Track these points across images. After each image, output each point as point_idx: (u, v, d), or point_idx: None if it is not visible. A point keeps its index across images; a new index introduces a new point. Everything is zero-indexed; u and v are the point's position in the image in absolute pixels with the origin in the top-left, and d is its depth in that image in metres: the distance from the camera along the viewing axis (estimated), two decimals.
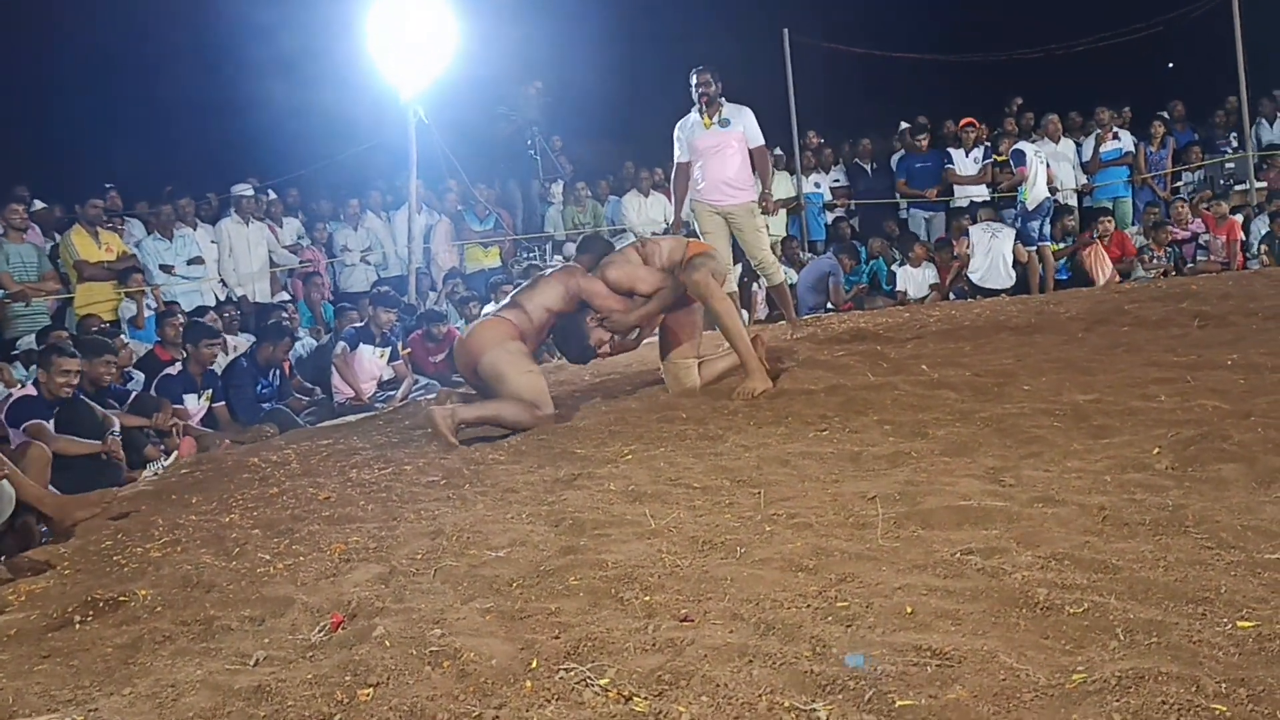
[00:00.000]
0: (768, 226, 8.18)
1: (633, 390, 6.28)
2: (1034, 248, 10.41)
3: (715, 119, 7.48)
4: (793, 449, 4.31)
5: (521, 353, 5.52)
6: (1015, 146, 10.70)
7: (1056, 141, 11.67)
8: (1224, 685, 2.05)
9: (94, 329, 7.72)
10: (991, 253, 10.34)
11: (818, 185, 12.57)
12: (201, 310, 8.57)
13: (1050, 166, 10.80)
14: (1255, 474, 3.36)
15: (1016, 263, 10.38)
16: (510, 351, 5.45)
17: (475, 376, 5.62)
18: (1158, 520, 3.04)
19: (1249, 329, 5.88)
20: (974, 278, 10.37)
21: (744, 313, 7.95)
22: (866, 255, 11.44)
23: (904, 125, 12.72)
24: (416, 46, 9.84)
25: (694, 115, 7.54)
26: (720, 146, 7.42)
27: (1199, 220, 10.95)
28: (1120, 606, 2.47)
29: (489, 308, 5.87)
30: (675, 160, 7.69)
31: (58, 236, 9.28)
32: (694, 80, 7.50)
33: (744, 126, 7.52)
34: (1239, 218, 10.94)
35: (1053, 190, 10.75)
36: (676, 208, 7.86)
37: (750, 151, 7.53)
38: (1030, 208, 10.37)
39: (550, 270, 6.02)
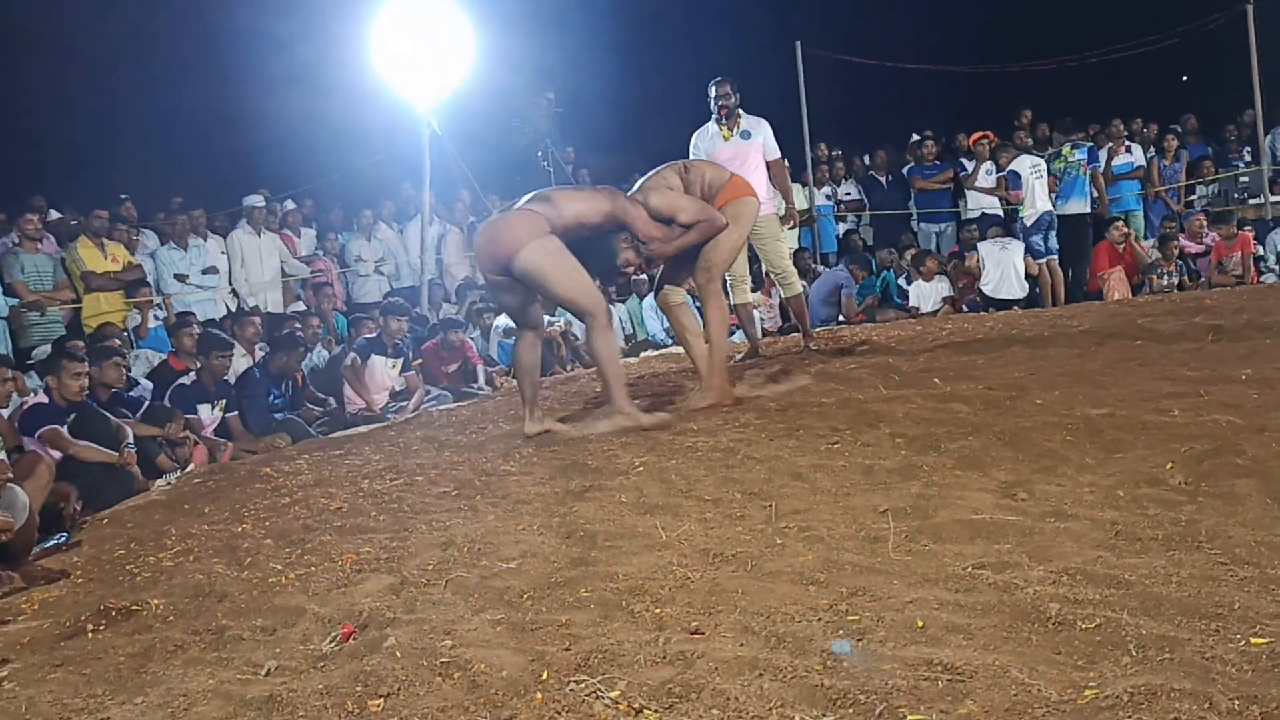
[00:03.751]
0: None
1: (645, 403, 6.28)
2: (1042, 261, 10.40)
3: (735, 131, 7.47)
4: (804, 462, 4.30)
5: (561, 250, 5.20)
6: (1010, 167, 10.69)
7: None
8: (1237, 702, 2.04)
9: (113, 336, 7.75)
10: (1002, 264, 10.33)
11: (829, 197, 12.58)
12: (214, 321, 8.61)
13: (1053, 175, 10.79)
14: (1269, 489, 3.34)
15: (1029, 275, 10.38)
16: (550, 250, 5.15)
17: (503, 273, 5.28)
18: (1171, 535, 3.03)
19: (1263, 343, 5.85)
20: (986, 289, 10.36)
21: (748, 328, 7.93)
22: (877, 267, 11.43)
23: (916, 137, 12.74)
24: (430, 58, 9.89)
25: (712, 126, 7.53)
26: (740, 159, 7.41)
27: (1212, 234, 10.91)
28: (1133, 622, 2.46)
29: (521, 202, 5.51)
30: None
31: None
32: (714, 91, 7.49)
33: (763, 138, 7.52)
34: (1249, 230, 10.89)
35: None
36: None
37: (768, 164, 7.52)
38: (1029, 224, 10.39)
39: (589, 185, 5.79)
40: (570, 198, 5.49)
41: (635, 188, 5.80)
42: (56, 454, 5.63)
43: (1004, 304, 10.13)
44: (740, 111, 7.51)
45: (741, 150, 7.43)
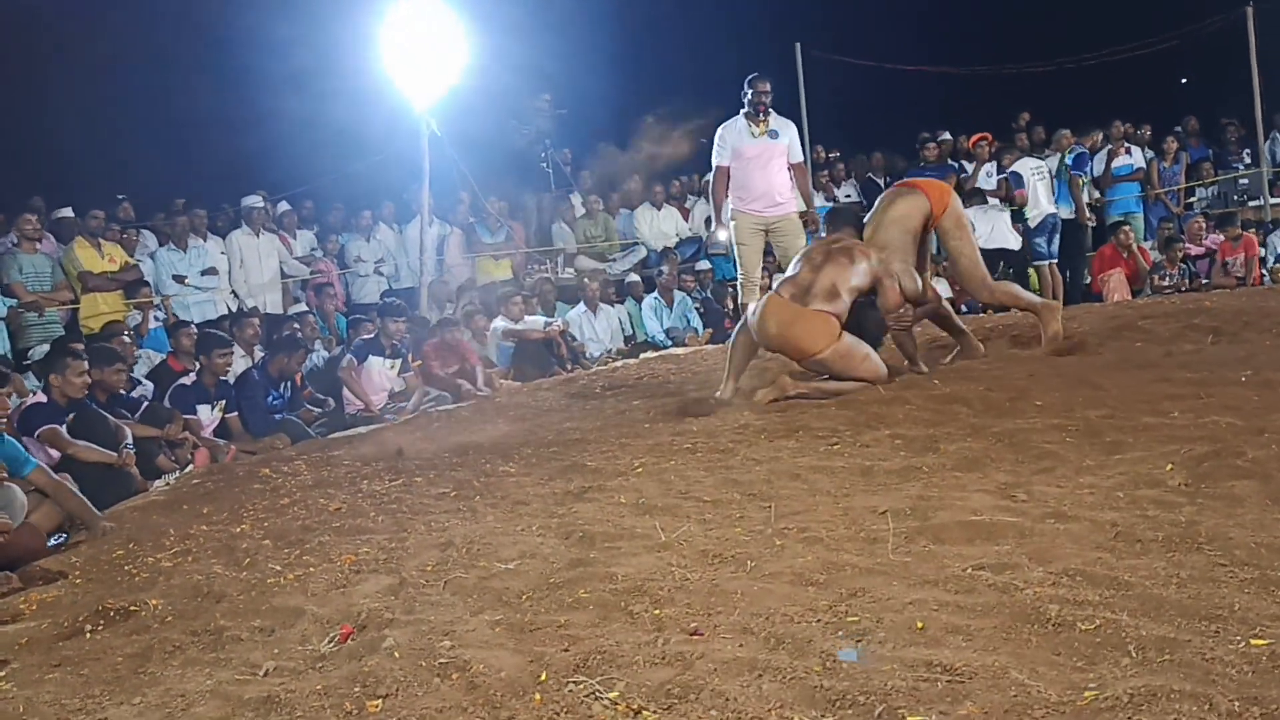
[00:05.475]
0: None
1: (644, 403, 6.28)
2: (1044, 264, 10.38)
3: (764, 129, 7.48)
4: (804, 463, 4.30)
5: (851, 348, 5.69)
6: (1012, 168, 10.67)
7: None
8: (1237, 704, 2.04)
9: (119, 334, 7.73)
10: (991, 218, 10.15)
11: (828, 199, 12.57)
12: (213, 322, 8.61)
13: (1052, 177, 10.77)
14: (1269, 491, 3.33)
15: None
16: (842, 353, 5.65)
17: (787, 352, 5.81)
18: (1170, 537, 3.02)
19: (1263, 345, 5.85)
20: (979, 243, 10.11)
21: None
22: None
23: (923, 137, 12.73)
24: (429, 59, 9.88)
25: (741, 121, 7.52)
26: (766, 157, 7.42)
27: (1214, 236, 10.91)
28: (1132, 623, 2.45)
29: (790, 272, 5.97)
30: (714, 163, 7.64)
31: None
32: (755, 88, 7.48)
33: (789, 140, 7.54)
34: (1253, 232, 10.89)
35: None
36: (716, 212, 7.81)
37: (790, 166, 7.53)
38: (1033, 225, 10.35)
39: (843, 245, 5.95)
40: (840, 273, 5.76)
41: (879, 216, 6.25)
42: (55, 453, 5.63)
43: (1000, 254, 9.95)
44: (771, 111, 7.55)
45: (768, 149, 7.43)
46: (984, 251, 9.91)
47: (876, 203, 6.51)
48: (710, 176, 7.81)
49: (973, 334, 6.55)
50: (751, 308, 6.08)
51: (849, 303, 5.74)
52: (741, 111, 7.52)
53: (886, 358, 5.99)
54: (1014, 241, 10.24)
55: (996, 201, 11.02)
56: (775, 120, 7.54)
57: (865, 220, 6.37)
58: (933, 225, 6.23)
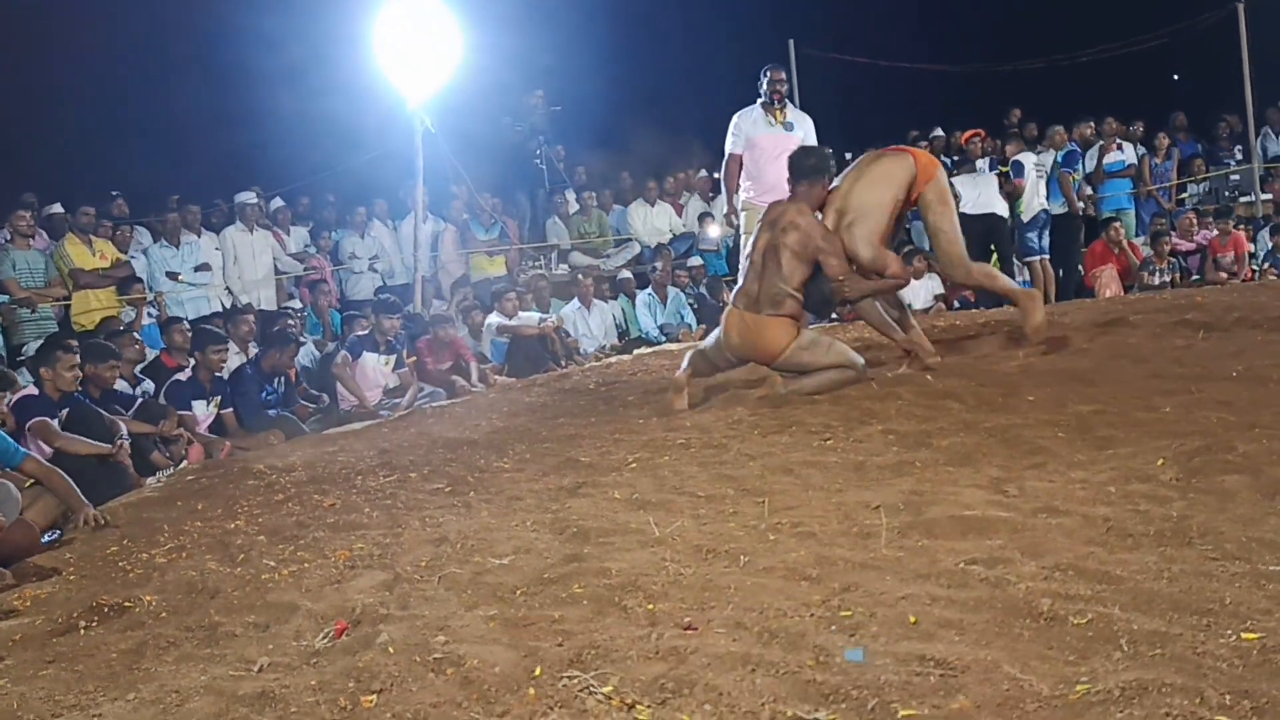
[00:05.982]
0: None
1: (638, 399, 6.29)
2: (1036, 259, 10.39)
3: (781, 120, 7.46)
4: (797, 458, 4.30)
5: (812, 341, 5.76)
6: (1015, 158, 10.66)
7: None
8: (1228, 697, 2.05)
9: (119, 331, 7.72)
10: (979, 185, 10.11)
11: None
12: (207, 318, 8.60)
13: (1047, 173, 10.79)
14: (1260, 486, 3.35)
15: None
16: (804, 347, 5.69)
17: (754, 359, 5.83)
18: (1162, 531, 3.03)
19: (1254, 340, 5.86)
20: (966, 209, 9.99)
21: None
22: None
23: (913, 134, 12.74)
24: (423, 56, 9.87)
25: (758, 110, 7.51)
26: (781, 149, 7.39)
27: (1205, 232, 10.94)
28: (1124, 617, 2.46)
29: (740, 282, 5.88)
30: (728, 150, 7.60)
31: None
32: (769, 76, 7.47)
33: (804, 134, 7.53)
34: (1243, 229, 10.93)
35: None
36: (729, 197, 7.77)
37: None
38: (1025, 220, 10.35)
39: (773, 240, 5.75)
40: (782, 270, 5.68)
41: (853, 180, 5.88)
42: (48, 448, 5.61)
43: (987, 219, 9.88)
44: (788, 103, 7.53)
45: (782, 140, 7.40)
46: (973, 217, 9.91)
47: (858, 159, 6.13)
48: (723, 165, 7.76)
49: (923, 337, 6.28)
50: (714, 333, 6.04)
51: (798, 295, 5.73)
52: (758, 101, 7.51)
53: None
54: (1001, 207, 10.18)
55: (985, 167, 11.05)
56: (793, 113, 7.55)
57: (844, 174, 6.02)
58: (915, 195, 5.95)
